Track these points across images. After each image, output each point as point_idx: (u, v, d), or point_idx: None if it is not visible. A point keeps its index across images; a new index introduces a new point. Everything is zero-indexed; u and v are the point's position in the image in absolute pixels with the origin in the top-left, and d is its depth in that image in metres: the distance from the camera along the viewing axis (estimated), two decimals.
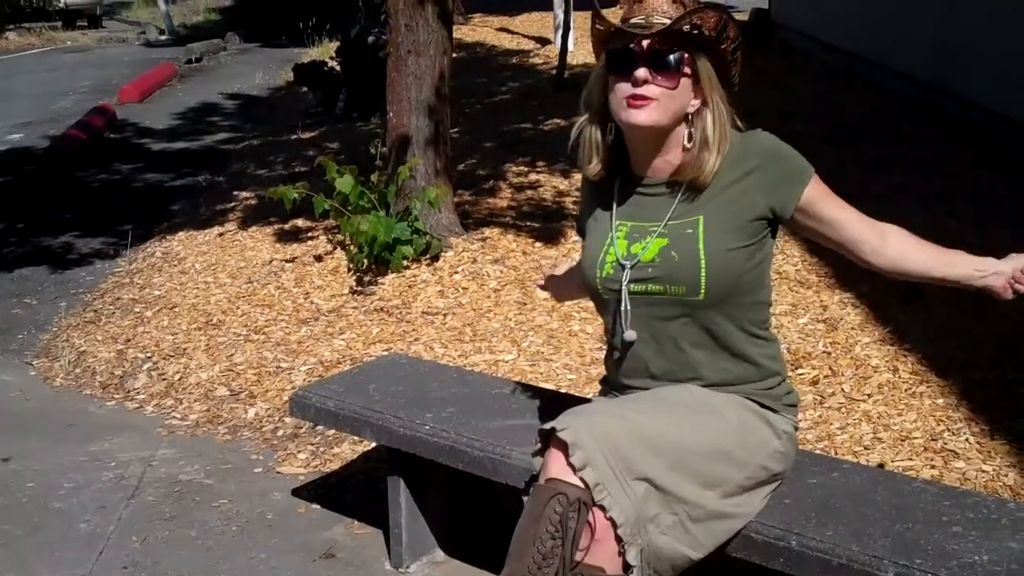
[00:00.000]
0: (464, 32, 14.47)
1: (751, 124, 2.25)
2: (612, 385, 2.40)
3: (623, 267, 2.22)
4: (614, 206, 2.31)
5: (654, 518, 2.05)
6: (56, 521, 3.40)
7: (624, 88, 2.15)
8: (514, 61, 12.60)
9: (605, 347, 2.43)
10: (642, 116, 2.15)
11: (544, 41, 13.71)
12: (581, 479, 1.99)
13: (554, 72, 10.69)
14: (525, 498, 2.11)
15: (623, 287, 2.22)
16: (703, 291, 2.17)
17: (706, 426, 2.15)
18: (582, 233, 2.45)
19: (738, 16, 13.51)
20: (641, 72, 2.12)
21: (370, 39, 9.90)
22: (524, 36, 14.67)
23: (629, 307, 2.22)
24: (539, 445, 2.13)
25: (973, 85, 7.44)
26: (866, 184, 6.09)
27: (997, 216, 5.30)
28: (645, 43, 2.12)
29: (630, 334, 2.24)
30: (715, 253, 2.16)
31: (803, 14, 11.93)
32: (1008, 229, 5.06)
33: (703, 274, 2.16)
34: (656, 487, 2.05)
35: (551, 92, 10.12)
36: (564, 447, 2.02)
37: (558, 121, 8.67)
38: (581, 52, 12.15)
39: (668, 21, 2.11)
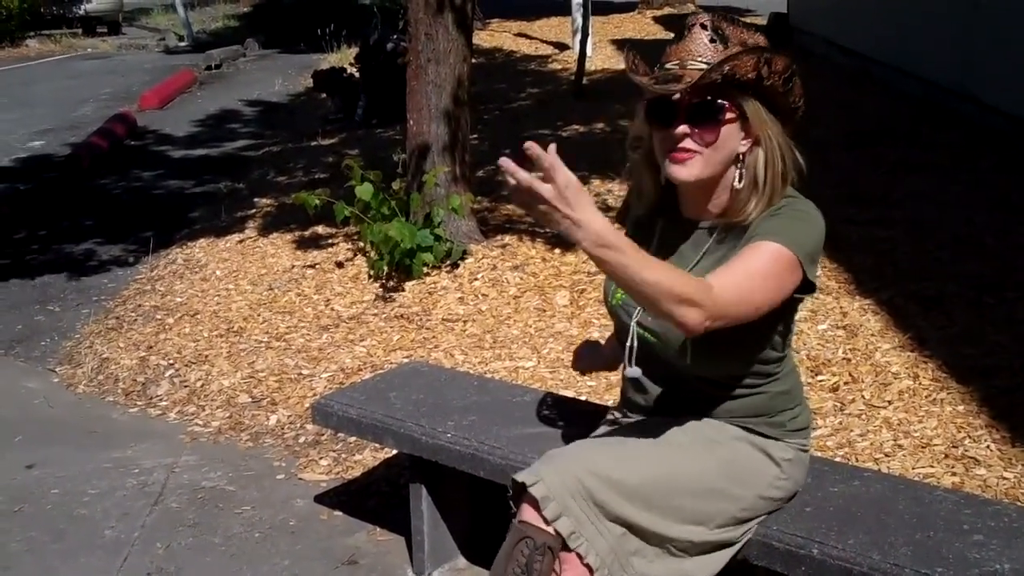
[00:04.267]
0: (482, 37, 14.48)
1: None
2: (623, 404, 2.39)
3: (634, 307, 2.13)
4: (654, 242, 2.20)
5: (636, 551, 2.05)
6: (81, 528, 3.44)
7: (665, 140, 2.04)
8: (532, 67, 12.60)
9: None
10: (684, 172, 2.05)
11: (562, 46, 13.70)
12: (555, 529, 1.98)
13: (573, 78, 10.68)
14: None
15: (632, 324, 2.13)
16: (689, 357, 2.10)
17: (693, 464, 2.11)
18: None
19: (756, 20, 13.57)
20: (681, 129, 2.01)
21: (389, 46, 9.93)
22: (542, 41, 14.67)
23: (636, 344, 2.13)
24: (511, 492, 2.10)
25: (993, 89, 7.41)
26: (885, 189, 6.09)
27: (1017, 223, 5.27)
28: (682, 93, 1.99)
29: (633, 371, 2.16)
30: None
31: (821, 18, 11.90)
32: None
33: (688, 341, 2.04)
34: (634, 529, 2.05)
35: (570, 98, 10.11)
36: (535, 501, 2.01)
37: (577, 127, 8.68)
38: (600, 57, 12.15)
39: (704, 66, 1.98)
